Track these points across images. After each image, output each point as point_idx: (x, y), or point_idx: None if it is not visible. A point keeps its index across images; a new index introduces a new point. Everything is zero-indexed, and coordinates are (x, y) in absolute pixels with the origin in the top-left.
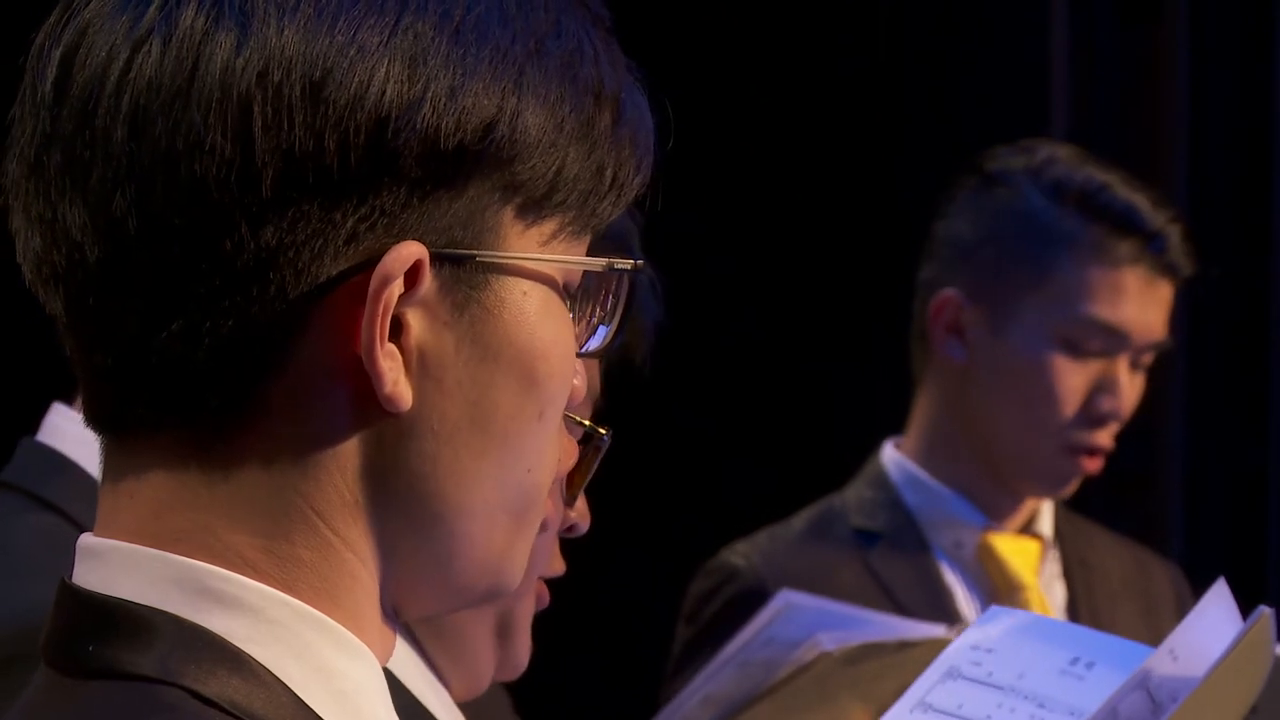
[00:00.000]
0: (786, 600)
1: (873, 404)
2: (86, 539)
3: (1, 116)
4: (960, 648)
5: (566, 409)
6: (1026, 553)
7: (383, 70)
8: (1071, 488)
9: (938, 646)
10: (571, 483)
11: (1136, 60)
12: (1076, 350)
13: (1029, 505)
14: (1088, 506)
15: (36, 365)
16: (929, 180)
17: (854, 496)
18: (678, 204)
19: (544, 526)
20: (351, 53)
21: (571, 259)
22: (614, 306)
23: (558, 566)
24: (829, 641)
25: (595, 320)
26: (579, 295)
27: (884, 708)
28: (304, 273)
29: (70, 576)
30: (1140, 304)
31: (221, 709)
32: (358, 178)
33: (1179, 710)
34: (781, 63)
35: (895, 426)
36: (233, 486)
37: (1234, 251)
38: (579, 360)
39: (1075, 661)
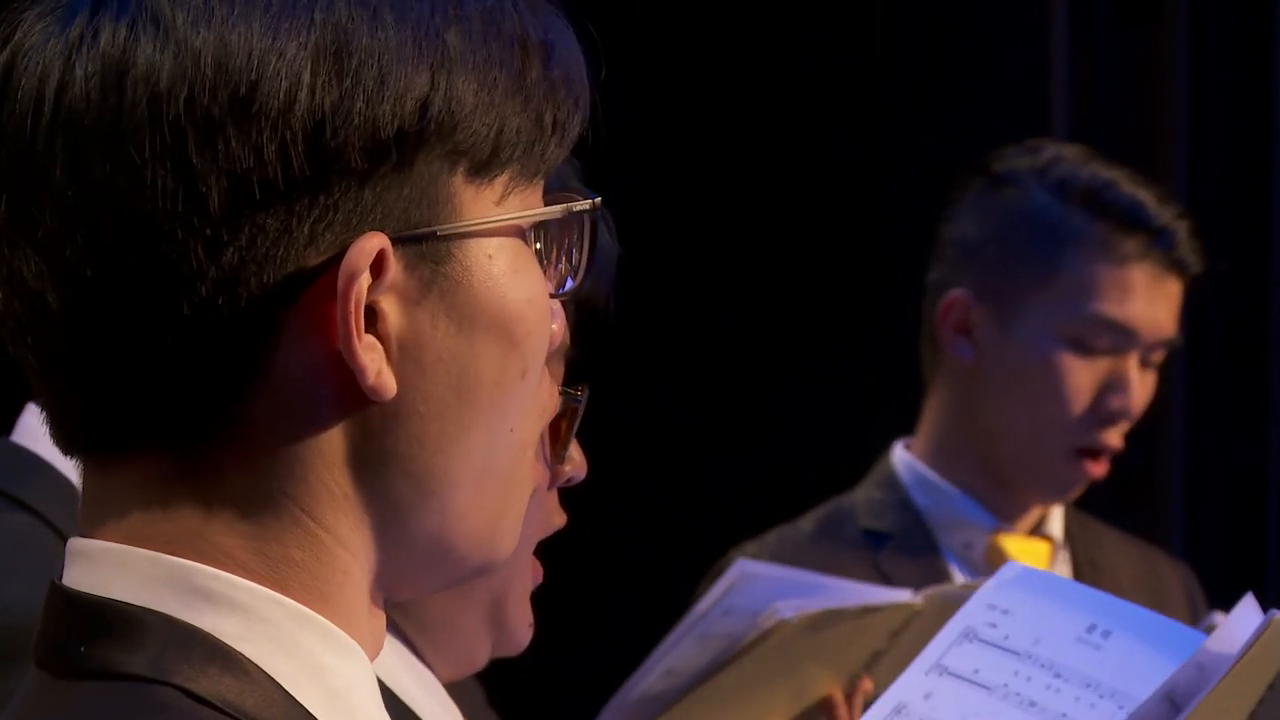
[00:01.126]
0: (743, 570)
1: (859, 398)
2: (76, 541)
3: None
4: (977, 606)
5: (548, 354)
6: (1036, 554)
7: (308, 71)
8: (1076, 493)
9: (903, 611)
10: (556, 441)
11: (1136, 60)
12: (1084, 348)
13: (1037, 507)
14: (1088, 506)
15: (10, 366)
16: (927, 180)
17: (863, 497)
18: (667, 201)
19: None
20: (273, 59)
21: (529, 212)
22: (579, 248)
23: (558, 521)
24: (787, 609)
25: (563, 266)
26: (544, 242)
27: (853, 675)
28: (269, 283)
29: (56, 578)
30: (1148, 301)
31: (214, 707)
32: (304, 182)
33: (1192, 713)
34: (777, 63)
35: (885, 420)
36: (221, 496)
37: (1234, 251)
38: (554, 302)
39: (1092, 629)
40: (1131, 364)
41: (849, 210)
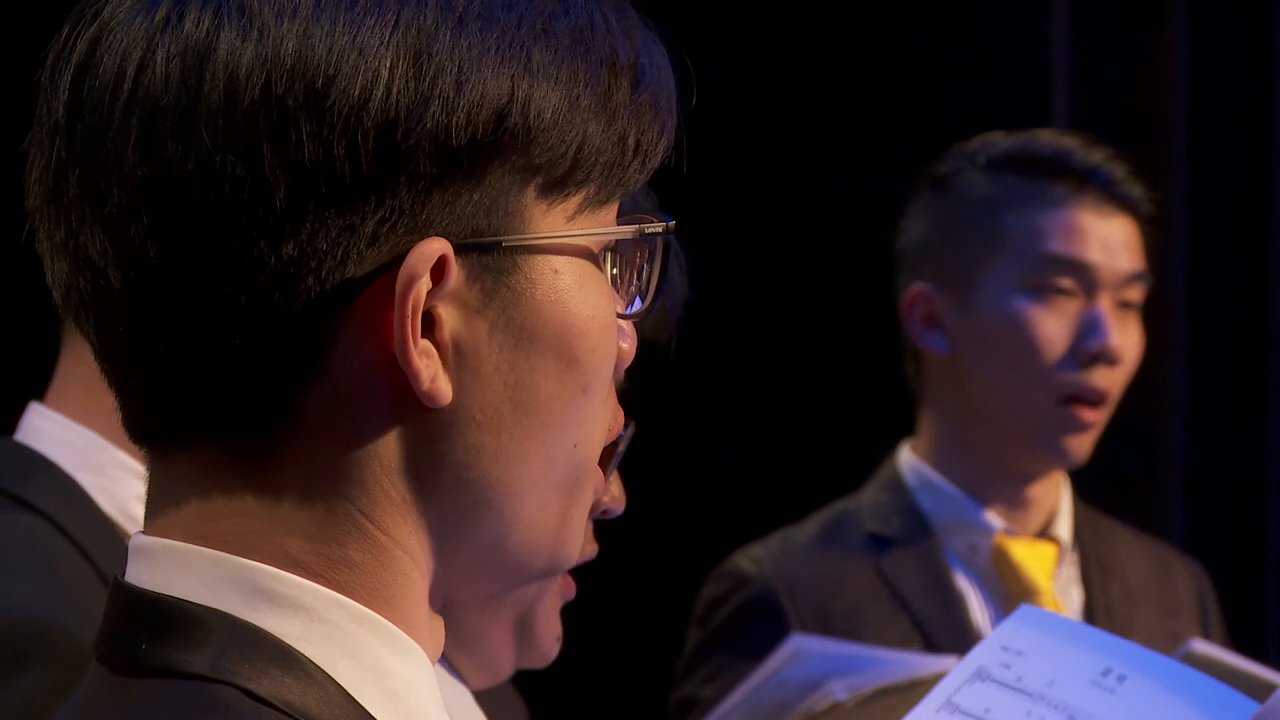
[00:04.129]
0: (796, 647)
1: (867, 397)
2: (139, 538)
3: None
4: (990, 647)
5: (616, 371)
6: (1042, 557)
7: (386, 70)
8: (1079, 447)
9: None
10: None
11: (1136, 60)
12: (1043, 293)
13: (1046, 504)
14: (1088, 506)
15: (13, 364)
16: None
17: (869, 500)
18: (666, 203)
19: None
20: (353, 55)
21: (600, 230)
22: (649, 270)
23: (589, 550)
24: (841, 690)
25: (634, 287)
26: (617, 263)
27: None
28: (329, 279)
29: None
30: (1097, 235)
31: (276, 709)
32: (371, 181)
33: None
34: (781, 62)
35: (892, 420)
36: (279, 494)
37: (1234, 251)
38: (626, 322)
39: (1107, 673)
40: (1103, 303)
41: (850, 212)
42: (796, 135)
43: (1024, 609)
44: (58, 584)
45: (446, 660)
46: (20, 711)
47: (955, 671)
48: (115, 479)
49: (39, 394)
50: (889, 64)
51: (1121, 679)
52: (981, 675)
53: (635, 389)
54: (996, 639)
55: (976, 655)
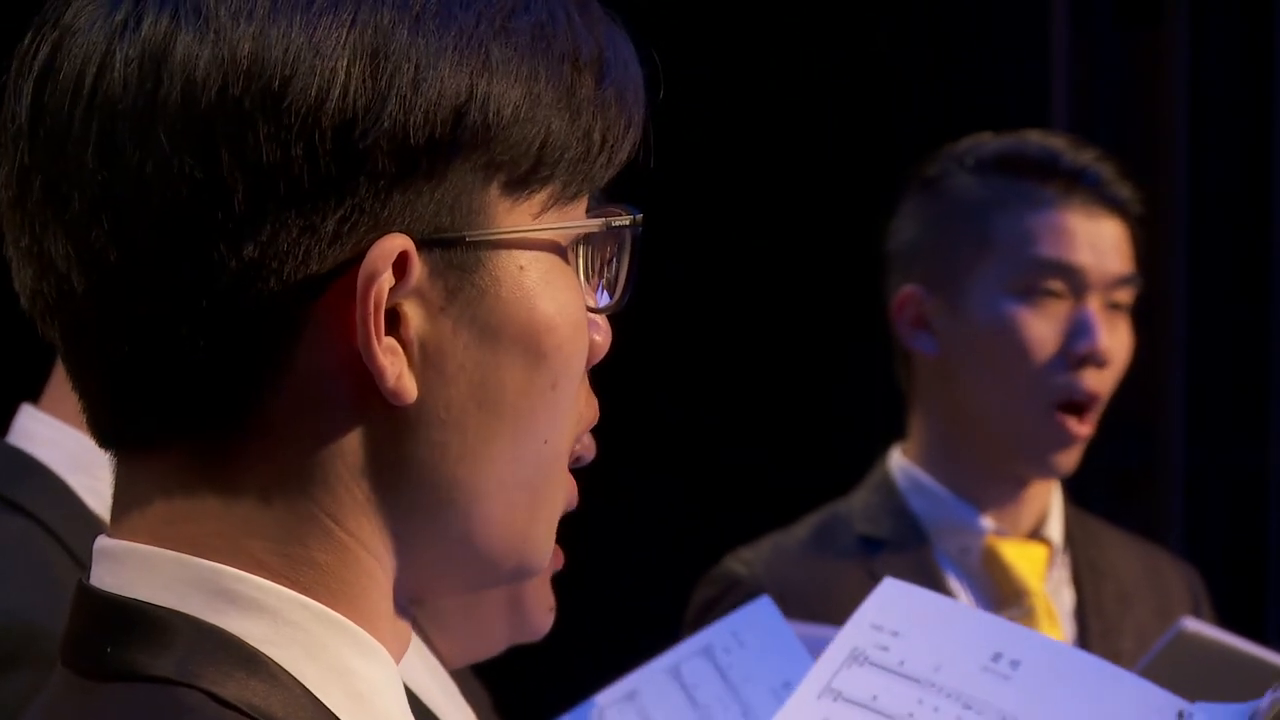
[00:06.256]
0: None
1: (859, 400)
2: (103, 541)
3: None
4: (860, 625)
5: (590, 364)
6: (1033, 558)
7: (343, 70)
8: (1068, 460)
9: None
10: None
11: (1136, 60)
12: (1032, 296)
13: (1037, 505)
14: (1089, 507)
15: (4, 367)
16: None
17: (860, 502)
18: (662, 203)
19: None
20: (310, 56)
21: (565, 224)
22: (618, 263)
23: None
24: None
25: (603, 278)
26: (585, 257)
27: None
28: (290, 280)
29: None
30: (1086, 238)
31: (241, 711)
32: (330, 181)
33: None
34: (781, 61)
35: (884, 423)
36: (243, 496)
37: (1234, 251)
38: (598, 316)
39: (998, 658)
40: (1092, 305)
41: (847, 212)
42: (793, 139)
43: (887, 582)
44: (49, 587)
45: (426, 639)
46: (10, 714)
47: (828, 654)
48: (107, 481)
49: (34, 396)
50: (889, 64)
51: (1015, 664)
52: (858, 658)
53: (632, 393)
54: (864, 617)
55: (848, 635)
